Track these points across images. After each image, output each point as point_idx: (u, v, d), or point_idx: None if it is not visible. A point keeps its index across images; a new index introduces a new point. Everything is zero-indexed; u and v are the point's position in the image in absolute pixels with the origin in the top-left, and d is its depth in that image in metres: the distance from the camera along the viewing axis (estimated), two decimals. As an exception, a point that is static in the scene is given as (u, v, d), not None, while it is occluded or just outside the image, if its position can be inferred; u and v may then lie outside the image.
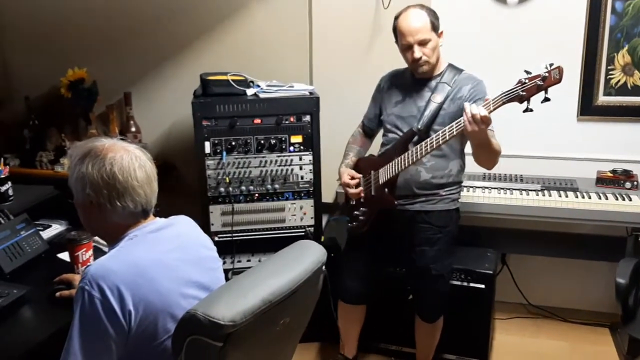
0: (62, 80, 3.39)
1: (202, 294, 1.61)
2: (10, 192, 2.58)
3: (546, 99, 2.09)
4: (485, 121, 2.17)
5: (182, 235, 1.69)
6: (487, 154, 2.40)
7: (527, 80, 2.11)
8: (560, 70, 2.08)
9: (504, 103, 2.16)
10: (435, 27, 2.45)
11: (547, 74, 2.08)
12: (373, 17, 3.20)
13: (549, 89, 2.09)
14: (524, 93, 2.11)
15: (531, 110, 2.12)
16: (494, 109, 2.18)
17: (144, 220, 1.63)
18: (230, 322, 1.36)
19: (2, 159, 2.65)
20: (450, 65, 2.55)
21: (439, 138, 2.32)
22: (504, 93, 2.16)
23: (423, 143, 2.37)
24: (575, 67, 3.11)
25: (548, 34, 3.11)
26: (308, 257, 1.68)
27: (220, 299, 1.43)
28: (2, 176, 2.53)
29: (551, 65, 2.09)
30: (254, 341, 1.51)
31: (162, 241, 1.61)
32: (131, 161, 1.57)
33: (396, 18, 2.50)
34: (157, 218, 1.68)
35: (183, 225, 1.74)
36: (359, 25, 3.24)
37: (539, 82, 2.09)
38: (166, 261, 1.57)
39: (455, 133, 2.27)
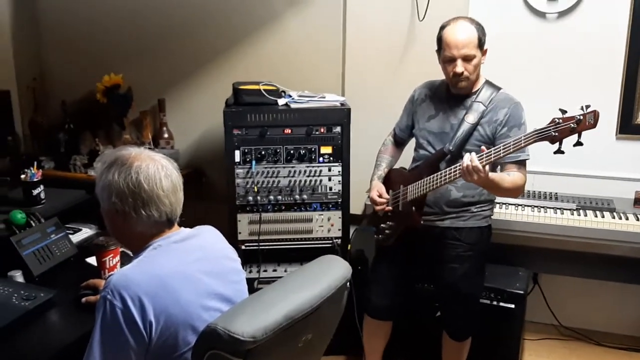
0: (98, 86, 3.44)
1: (224, 306, 1.60)
2: (42, 195, 2.61)
3: (579, 143, 2.04)
4: (476, 171, 2.15)
5: (206, 247, 1.68)
6: (499, 193, 2.40)
7: (560, 121, 2.05)
8: (595, 115, 2.02)
9: (535, 141, 2.11)
10: (481, 44, 2.37)
11: (581, 117, 2.02)
12: (407, 29, 3.16)
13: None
14: (556, 134, 2.05)
15: (562, 152, 2.07)
16: (525, 146, 2.14)
17: (168, 230, 1.63)
18: (251, 338, 1.34)
19: (36, 162, 2.69)
20: (488, 82, 2.48)
21: (456, 171, 2.27)
22: (536, 131, 2.10)
23: (453, 167, 2.30)
24: (615, 84, 3.03)
25: (588, 50, 3.04)
26: (332, 273, 1.66)
27: (241, 314, 1.41)
28: (35, 180, 2.57)
29: (587, 107, 2.03)
30: (275, 357, 1.48)
31: (186, 252, 1.61)
32: (157, 170, 1.57)
33: (443, 27, 2.40)
34: (182, 228, 1.68)
35: (208, 235, 1.73)
36: (393, 37, 3.20)
37: (572, 125, 2.03)
38: (188, 272, 1.56)
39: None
